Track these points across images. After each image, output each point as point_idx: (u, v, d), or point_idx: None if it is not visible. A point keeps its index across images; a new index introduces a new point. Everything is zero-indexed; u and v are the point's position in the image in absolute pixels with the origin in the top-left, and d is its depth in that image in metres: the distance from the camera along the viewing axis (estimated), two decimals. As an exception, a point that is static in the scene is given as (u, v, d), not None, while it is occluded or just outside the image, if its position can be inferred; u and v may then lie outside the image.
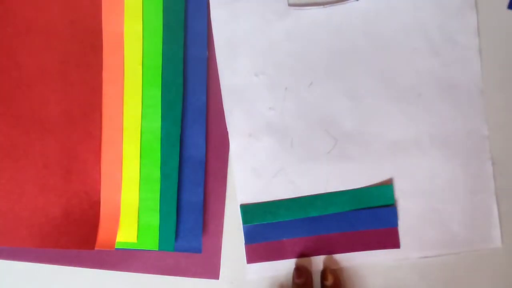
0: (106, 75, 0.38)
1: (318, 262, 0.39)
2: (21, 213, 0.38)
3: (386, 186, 0.38)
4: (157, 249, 0.38)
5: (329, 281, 0.37)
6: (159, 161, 0.38)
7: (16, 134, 0.38)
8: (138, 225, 0.38)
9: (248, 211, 0.38)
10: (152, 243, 0.38)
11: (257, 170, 0.39)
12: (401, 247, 0.38)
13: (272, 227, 0.38)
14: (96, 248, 0.37)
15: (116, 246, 0.38)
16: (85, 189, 0.38)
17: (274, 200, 0.39)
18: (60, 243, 0.38)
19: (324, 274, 0.38)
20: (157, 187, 0.38)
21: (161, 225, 0.38)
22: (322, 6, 0.38)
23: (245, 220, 0.38)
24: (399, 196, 0.38)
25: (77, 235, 0.38)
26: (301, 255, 0.39)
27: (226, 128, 0.39)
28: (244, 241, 0.39)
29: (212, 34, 0.39)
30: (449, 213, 0.38)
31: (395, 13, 0.38)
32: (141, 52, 0.38)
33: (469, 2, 0.38)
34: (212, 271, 0.39)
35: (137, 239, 0.38)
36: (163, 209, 0.38)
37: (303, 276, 0.38)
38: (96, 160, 0.38)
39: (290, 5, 0.38)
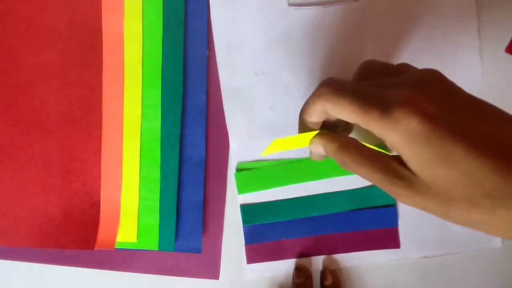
0: (106, 75, 0.38)
1: (318, 262, 0.39)
2: (21, 213, 0.38)
3: (386, 186, 0.38)
4: (157, 249, 0.38)
5: (329, 280, 0.37)
6: (159, 161, 0.38)
7: (16, 134, 0.38)
8: (138, 225, 0.38)
9: (248, 211, 0.38)
10: (152, 243, 0.38)
11: (257, 170, 0.39)
12: (401, 247, 0.38)
13: (272, 227, 0.38)
14: (96, 248, 0.37)
15: (116, 246, 0.38)
16: (85, 189, 0.38)
17: (274, 200, 0.38)
18: (60, 243, 0.38)
19: (323, 274, 0.38)
20: (157, 187, 0.38)
21: (161, 225, 0.38)
22: (322, 6, 0.38)
23: (245, 220, 0.38)
24: (399, 196, 0.38)
25: (77, 235, 0.38)
26: (301, 255, 0.39)
27: (226, 128, 0.39)
28: (244, 241, 0.39)
29: (212, 34, 0.38)
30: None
31: (395, 13, 0.38)
32: (141, 52, 0.38)
33: (469, 2, 0.38)
34: (212, 271, 0.39)
35: (137, 239, 0.38)
36: (163, 209, 0.38)
37: (303, 276, 0.38)
38: (96, 160, 0.38)
39: (290, 4, 0.38)
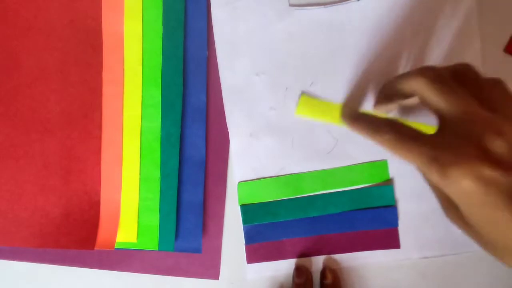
0: (106, 75, 0.38)
1: (318, 262, 0.39)
2: (21, 213, 0.38)
3: (387, 187, 0.38)
4: (157, 249, 0.38)
5: (329, 280, 0.38)
6: (159, 161, 0.38)
7: (16, 134, 0.38)
8: (138, 225, 0.38)
9: (248, 211, 0.38)
10: (152, 243, 0.38)
11: (257, 170, 0.39)
12: (401, 247, 0.38)
13: (272, 227, 0.38)
14: (96, 248, 0.37)
15: (116, 246, 0.38)
16: (85, 189, 0.38)
17: (274, 200, 0.38)
18: (60, 243, 0.38)
19: (323, 273, 0.38)
20: (157, 187, 0.38)
21: (161, 225, 0.38)
22: (323, 6, 0.38)
23: (245, 220, 0.38)
24: (400, 196, 0.38)
25: (77, 235, 0.38)
26: (301, 255, 0.39)
27: (226, 128, 0.39)
28: (244, 241, 0.39)
29: (212, 34, 0.38)
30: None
31: (397, 14, 0.38)
32: (141, 52, 0.38)
33: (469, 2, 0.38)
34: (212, 271, 0.39)
35: (137, 239, 0.38)
36: (163, 209, 0.38)
37: (303, 276, 0.38)
38: (96, 160, 0.38)
39: (291, 5, 0.38)
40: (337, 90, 0.38)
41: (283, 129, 0.38)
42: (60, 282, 0.40)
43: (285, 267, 0.39)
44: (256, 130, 0.38)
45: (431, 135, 0.25)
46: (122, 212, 0.38)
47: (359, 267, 0.39)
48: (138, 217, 0.38)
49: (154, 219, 0.38)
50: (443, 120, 0.25)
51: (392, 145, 0.26)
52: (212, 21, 0.38)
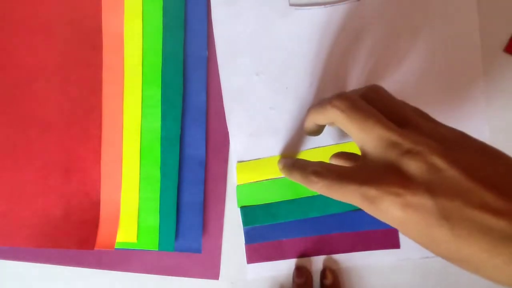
0: (106, 75, 0.38)
1: (318, 262, 0.39)
2: (21, 213, 0.38)
3: (387, 186, 0.38)
4: (157, 249, 0.38)
5: (329, 280, 0.38)
6: (159, 161, 0.38)
7: (16, 134, 0.38)
8: (138, 225, 0.38)
9: (248, 212, 0.38)
10: (152, 243, 0.38)
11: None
12: (401, 247, 0.38)
13: (272, 227, 0.38)
14: (96, 248, 0.37)
15: (116, 246, 0.38)
16: (85, 189, 0.38)
17: (274, 202, 0.38)
18: (60, 243, 0.38)
19: (323, 273, 0.38)
20: (157, 187, 0.38)
21: (161, 225, 0.38)
22: (323, 6, 0.38)
23: (245, 222, 0.38)
24: (400, 196, 0.38)
25: (77, 235, 0.38)
26: (301, 255, 0.39)
27: (226, 128, 0.39)
28: (244, 241, 0.39)
29: (212, 34, 0.38)
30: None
31: (396, 14, 0.38)
32: (141, 52, 0.38)
33: (470, 2, 0.38)
34: (212, 271, 0.39)
35: (137, 239, 0.38)
36: (163, 209, 0.38)
37: (303, 276, 0.38)
38: (96, 160, 0.38)
39: (291, 4, 0.38)
40: (337, 91, 0.38)
41: (283, 129, 0.38)
42: (60, 282, 0.40)
43: (285, 267, 0.39)
44: (256, 130, 0.38)
45: (356, 168, 0.25)
46: (122, 212, 0.38)
47: (359, 267, 0.39)
48: (138, 217, 0.38)
49: (154, 219, 0.38)
50: (362, 148, 0.25)
51: (325, 193, 0.25)
52: (212, 21, 0.38)
